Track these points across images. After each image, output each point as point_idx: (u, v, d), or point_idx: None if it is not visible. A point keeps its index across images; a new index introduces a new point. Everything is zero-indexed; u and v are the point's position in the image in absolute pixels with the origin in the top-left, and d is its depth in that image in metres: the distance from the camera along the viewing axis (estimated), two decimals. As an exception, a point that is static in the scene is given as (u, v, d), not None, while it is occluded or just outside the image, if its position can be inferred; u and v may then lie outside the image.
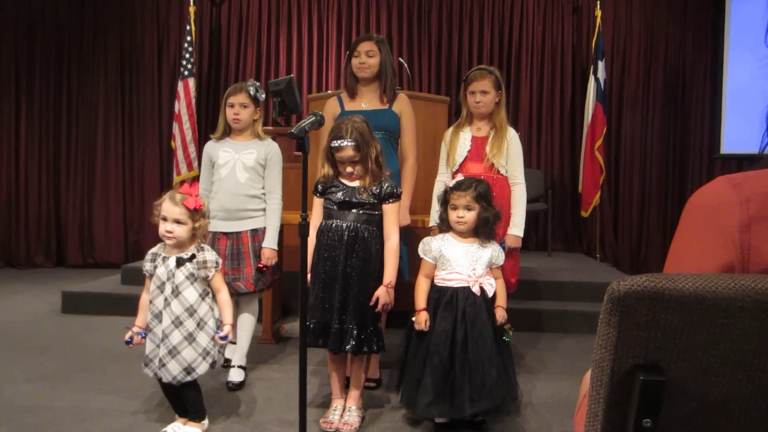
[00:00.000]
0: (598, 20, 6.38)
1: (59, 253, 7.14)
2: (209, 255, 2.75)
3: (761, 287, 0.76)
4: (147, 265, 2.77)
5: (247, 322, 3.53)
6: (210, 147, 3.49)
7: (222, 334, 2.69)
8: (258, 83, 3.45)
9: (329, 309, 2.84)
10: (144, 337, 2.71)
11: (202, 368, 2.71)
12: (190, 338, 2.67)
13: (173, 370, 2.66)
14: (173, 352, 2.66)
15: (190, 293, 2.69)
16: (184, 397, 2.80)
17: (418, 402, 2.73)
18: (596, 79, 6.29)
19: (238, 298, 3.47)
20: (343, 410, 2.96)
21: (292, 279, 4.34)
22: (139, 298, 2.81)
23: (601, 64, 6.31)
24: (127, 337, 2.70)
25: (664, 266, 0.93)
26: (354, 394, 2.98)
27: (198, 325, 2.70)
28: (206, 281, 2.74)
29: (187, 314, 2.67)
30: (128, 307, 4.87)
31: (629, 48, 6.92)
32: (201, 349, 2.70)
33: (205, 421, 2.85)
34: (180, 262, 2.70)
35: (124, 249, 7.07)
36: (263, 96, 3.45)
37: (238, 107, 3.39)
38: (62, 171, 7.11)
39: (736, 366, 0.80)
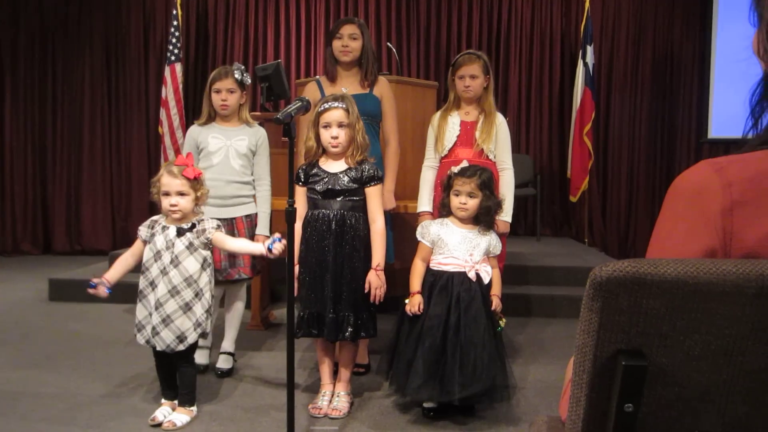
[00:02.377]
0: (587, 5, 6.35)
1: (46, 239, 7.09)
2: (208, 223, 2.80)
3: (742, 272, 0.76)
4: (143, 230, 2.79)
5: (236, 309, 3.53)
6: (195, 132, 3.39)
7: (277, 243, 2.68)
8: (243, 67, 3.38)
9: (322, 299, 2.83)
10: (109, 292, 2.71)
11: (192, 337, 2.75)
12: (186, 308, 2.71)
13: (166, 339, 2.69)
14: (167, 321, 2.69)
15: (191, 263, 2.72)
16: (179, 375, 2.82)
17: (408, 384, 2.73)
18: (585, 64, 6.28)
19: (226, 286, 3.45)
20: (332, 396, 2.96)
21: (280, 265, 4.33)
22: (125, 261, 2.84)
23: (589, 49, 6.29)
24: (93, 280, 2.69)
25: (647, 250, 0.93)
26: (343, 379, 2.98)
27: (196, 295, 2.74)
28: (208, 247, 2.78)
29: (185, 284, 2.71)
30: (116, 294, 4.80)
31: (618, 32, 6.91)
32: (195, 319, 2.75)
33: (194, 408, 2.86)
34: (180, 232, 2.73)
35: (112, 235, 7.03)
36: (249, 80, 3.39)
37: (225, 93, 3.31)
38: (48, 157, 7.05)
39: (717, 351, 0.80)
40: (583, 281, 0.85)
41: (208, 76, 3.41)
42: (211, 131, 3.36)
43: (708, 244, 0.85)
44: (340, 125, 2.80)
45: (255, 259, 3.41)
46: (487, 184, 2.86)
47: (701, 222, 0.85)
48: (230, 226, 3.34)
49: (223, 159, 3.33)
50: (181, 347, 2.72)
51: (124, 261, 2.80)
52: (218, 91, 3.32)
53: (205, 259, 2.77)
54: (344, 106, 2.79)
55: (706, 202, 0.85)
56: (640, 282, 0.78)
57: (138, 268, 2.82)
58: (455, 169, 2.95)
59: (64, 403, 2.99)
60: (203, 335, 2.81)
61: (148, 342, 2.72)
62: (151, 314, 2.70)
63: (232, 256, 3.33)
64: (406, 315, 2.84)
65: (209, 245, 2.79)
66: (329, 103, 2.80)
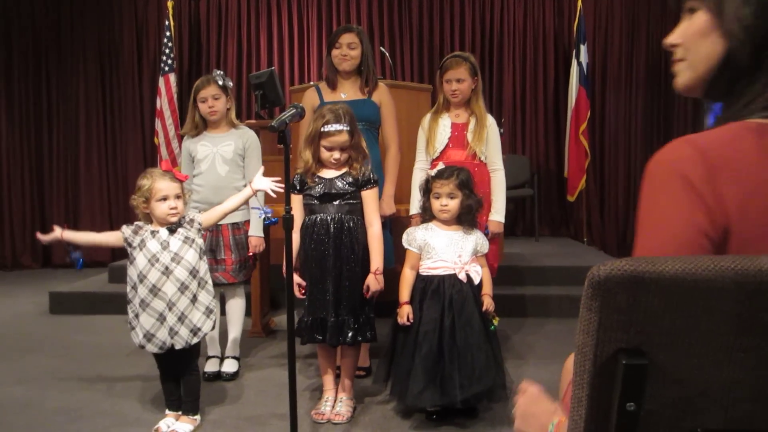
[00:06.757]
0: (579, 3, 6.36)
1: (45, 253, 7.06)
2: (191, 214, 2.86)
3: (740, 268, 0.76)
4: (126, 228, 2.80)
5: (236, 313, 3.54)
6: (189, 143, 3.48)
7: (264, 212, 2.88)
8: (222, 72, 3.45)
9: (323, 304, 2.84)
10: (49, 237, 2.81)
11: (206, 326, 2.78)
12: (194, 299, 2.73)
13: (184, 335, 2.70)
14: (182, 318, 2.70)
15: (191, 255, 2.74)
16: (183, 383, 2.81)
17: (409, 391, 2.73)
18: (579, 63, 6.28)
19: (222, 289, 3.45)
20: (335, 401, 2.96)
21: (280, 272, 4.32)
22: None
23: (583, 48, 6.30)
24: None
25: (637, 232, 0.95)
26: (346, 384, 2.98)
27: (199, 284, 2.77)
28: (200, 233, 2.82)
29: (191, 277, 2.72)
30: (116, 305, 4.85)
31: (611, 30, 6.91)
32: (204, 307, 2.77)
33: (197, 416, 2.85)
34: (172, 230, 2.74)
35: (111, 247, 7.01)
36: (231, 83, 3.46)
37: (211, 100, 3.37)
38: (45, 170, 7.03)
39: (717, 348, 0.80)
40: (583, 281, 0.85)
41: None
42: (201, 139, 3.45)
43: (695, 213, 0.87)
44: (343, 148, 2.81)
45: (241, 263, 3.42)
46: (466, 183, 2.86)
47: (684, 192, 0.88)
48: (215, 232, 3.35)
49: (210, 166, 3.39)
50: (196, 340, 2.74)
51: (92, 234, 2.92)
52: (204, 100, 3.38)
53: (201, 248, 2.80)
54: (348, 128, 2.79)
55: (686, 172, 0.88)
56: (638, 280, 0.78)
57: (125, 276, 2.82)
58: (432, 172, 2.95)
59: (66, 415, 2.98)
60: (213, 326, 2.84)
61: (162, 348, 2.69)
62: (162, 319, 2.68)
63: (213, 262, 3.33)
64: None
65: (201, 230, 2.83)
66: (333, 126, 2.78)
